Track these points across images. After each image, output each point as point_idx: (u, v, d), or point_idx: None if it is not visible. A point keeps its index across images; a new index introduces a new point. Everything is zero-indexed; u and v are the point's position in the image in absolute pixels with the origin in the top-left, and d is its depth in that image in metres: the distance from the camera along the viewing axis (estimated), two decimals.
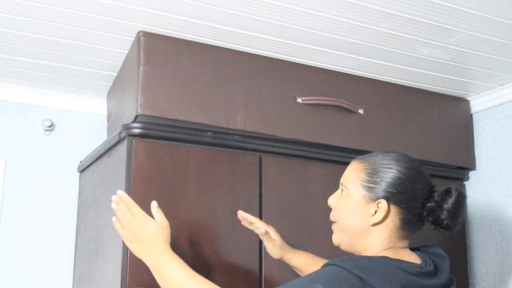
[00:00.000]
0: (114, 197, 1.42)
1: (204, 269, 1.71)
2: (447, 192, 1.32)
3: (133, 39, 1.80)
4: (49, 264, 2.12)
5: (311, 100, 1.95)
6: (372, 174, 1.32)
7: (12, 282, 2.06)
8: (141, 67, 1.74)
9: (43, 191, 2.16)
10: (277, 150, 1.91)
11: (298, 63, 1.98)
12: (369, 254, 1.31)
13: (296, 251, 1.70)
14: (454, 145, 2.24)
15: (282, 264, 1.82)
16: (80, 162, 2.18)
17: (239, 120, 1.83)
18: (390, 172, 1.30)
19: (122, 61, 1.95)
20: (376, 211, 1.30)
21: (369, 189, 1.31)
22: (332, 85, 2.02)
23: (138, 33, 1.77)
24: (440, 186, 2.24)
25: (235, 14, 1.67)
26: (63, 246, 2.15)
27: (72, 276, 2.13)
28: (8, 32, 1.77)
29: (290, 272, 1.82)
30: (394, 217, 1.30)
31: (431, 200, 1.31)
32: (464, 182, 2.31)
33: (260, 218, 1.82)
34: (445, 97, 2.27)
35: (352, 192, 1.34)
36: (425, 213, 1.31)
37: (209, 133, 1.81)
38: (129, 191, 1.67)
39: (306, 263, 1.66)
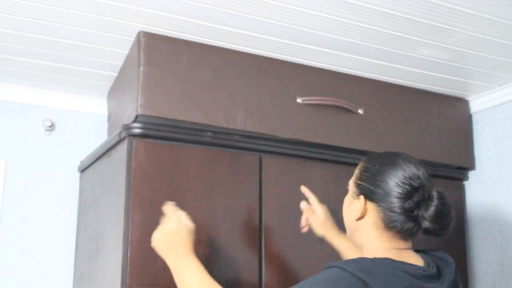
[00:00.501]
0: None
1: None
2: (428, 196, 1.29)
3: (133, 39, 1.81)
4: (49, 264, 2.12)
5: (311, 100, 1.95)
6: (362, 172, 1.36)
7: (12, 282, 2.06)
8: (141, 67, 1.75)
9: (43, 191, 2.16)
10: (277, 150, 1.91)
11: (298, 63, 1.98)
12: (369, 252, 1.32)
13: (340, 233, 1.72)
14: (454, 145, 2.25)
15: (282, 264, 1.82)
16: (80, 162, 2.18)
17: (239, 120, 1.83)
18: (374, 171, 1.33)
19: (122, 61, 1.95)
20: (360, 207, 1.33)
21: (357, 185, 1.35)
22: (332, 85, 2.02)
23: (138, 33, 1.77)
24: (440, 186, 2.25)
25: (235, 14, 1.67)
26: (63, 246, 2.15)
27: (72, 276, 2.13)
28: (8, 32, 1.77)
29: (291, 271, 1.82)
30: (373, 215, 1.31)
31: (408, 200, 1.28)
32: (464, 182, 2.31)
33: (260, 218, 1.83)
34: (445, 97, 2.27)
35: (349, 189, 1.39)
36: (403, 212, 1.28)
37: (209, 133, 1.81)
38: (129, 191, 1.67)
39: (347, 248, 1.68)
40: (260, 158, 1.88)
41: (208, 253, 1.73)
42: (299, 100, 1.93)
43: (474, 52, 1.93)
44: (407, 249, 1.32)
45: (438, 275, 1.31)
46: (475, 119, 2.34)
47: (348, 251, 1.66)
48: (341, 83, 2.04)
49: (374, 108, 2.08)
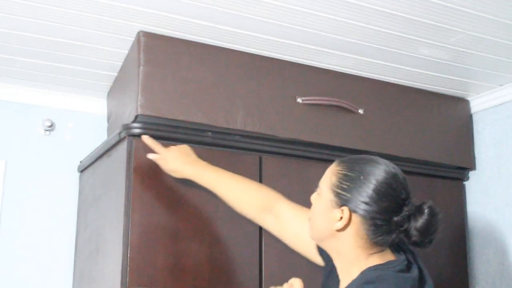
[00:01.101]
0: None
1: (204, 269, 1.71)
2: (418, 209, 1.27)
3: (133, 39, 1.80)
4: (49, 264, 2.12)
5: (311, 100, 1.95)
6: (342, 180, 1.29)
7: (12, 282, 2.06)
8: (141, 67, 1.74)
9: (43, 191, 2.16)
10: (277, 150, 1.91)
11: (298, 63, 1.98)
12: (346, 258, 1.31)
13: (209, 165, 1.70)
14: (454, 145, 2.24)
15: (282, 264, 1.82)
16: (80, 162, 2.18)
17: (239, 120, 1.83)
18: (360, 183, 1.27)
19: (122, 61, 1.95)
20: (341, 217, 1.28)
21: (337, 194, 1.29)
22: (332, 85, 2.02)
23: (138, 33, 1.77)
24: (440, 186, 2.25)
25: (235, 14, 1.67)
26: (63, 246, 2.15)
27: (72, 276, 2.13)
28: (8, 32, 1.77)
29: (291, 272, 1.82)
30: (358, 227, 1.27)
31: (399, 214, 1.26)
32: (464, 182, 2.31)
33: None
34: (445, 97, 2.27)
35: (324, 195, 1.33)
36: (392, 226, 1.26)
37: (209, 133, 1.81)
38: (129, 191, 1.67)
39: (223, 182, 1.67)
40: (260, 158, 1.88)
41: (208, 253, 1.73)
42: (299, 100, 1.93)
43: (475, 52, 1.93)
44: (384, 250, 1.31)
45: (409, 266, 1.31)
46: (475, 119, 2.34)
47: (223, 185, 1.65)
48: (341, 83, 2.04)
49: (374, 108, 2.08)
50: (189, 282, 1.68)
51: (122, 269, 1.62)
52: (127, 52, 1.88)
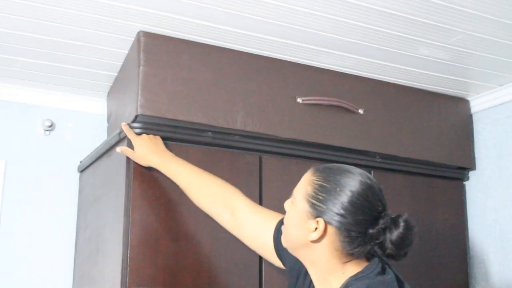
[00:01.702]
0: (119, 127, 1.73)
1: (204, 269, 1.71)
2: (394, 222, 1.25)
3: (133, 39, 1.80)
4: (49, 264, 2.12)
5: (311, 100, 1.95)
6: (318, 191, 1.27)
7: (12, 282, 2.06)
8: (141, 67, 1.74)
9: (43, 191, 2.16)
10: (277, 150, 1.91)
11: (298, 63, 1.98)
12: (321, 268, 1.29)
13: (175, 157, 1.72)
14: (454, 145, 2.24)
15: None
16: (80, 162, 2.18)
17: (239, 120, 1.83)
18: (335, 194, 1.25)
19: (122, 61, 1.95)
20: (316, 228, 1.26)
21: (312, 205, 1.27)
22: (332, 85, 2.02)
23: (138, 33, 1.77)
24: (440, 186, 2.25)
25: (235, 14, 1.67)
26: (63, 246, 2.14)
27: (72, 276, 2.13)
28: (8, 32, 1.77)
29: None
30: (333, 238, 1.25)
31: (374, 227, 1.24)
32: (464, 182, 2.31)
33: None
34: (445, 97, 2.27)
35: (298, 204, 1.31)
36: (367, 239, 1.25)
37: (209, 133, 1.81)
38: (129, 191, 1.67)
39: (188, 173, 1.68)
40: (260, 158, 1.88)
41: (208, 253, 1.73)
42: (299, 100, 1.93)
43: (475, 52, 1.93)
44: (356, 259, 1.30)
45: (383, 270, 1.30)
46: (475, 119, 2.34)
47: (185, 177, 1.66)
48: (341, 83, 2.04)
49: (374, 108, 2.08)
50: (189, 282, 1.68)
51: (122, 269, 1.62)
52: (127, 52, 1.88)
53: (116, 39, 1.81)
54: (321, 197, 1.26)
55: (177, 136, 1.77)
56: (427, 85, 2.20)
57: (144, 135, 1.71)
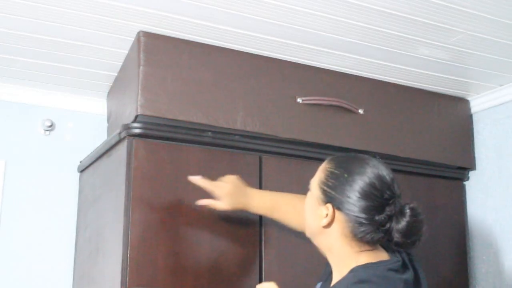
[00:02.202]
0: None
1: (204, 269, 1.71)
2: (400, 210, 1.26)
3: (133, 39, 1.80)
4: (49, 264, 2.12)
5: (311, 100, 1.95)
6: (329, 177, 1.31)
7: (12, 282, 2.06)
8: (141, 67, 1.74)
9: (43, 191, 2.16)
10: (277, 150, 1.91)
11: (298, 63, 1.98)
12: (337, 256, 1.31)
13: (258, 191, 1.71)
14: (454, 145, 2.24)
15: (282, 264, 1.82)
16: (80, 162, 2.18)
17: (239, 120, 1.83)
18: (344, 180, 1.28)
19: (122, 61, 1.95)
20: (326, 214, 1.29)
21: (323, 191, 1.31)
22: (332, 85, 2.02)
23: (138, 33, 1.77)
24: (440, 186, 2.25)
25: (235, 14, 1.67)
26: (63, 246, 2.14)
27: (72, 276, 2.13)
28: (8, 32, 1.77)
29: (291, 272, 1.82)
30: (343, 225, 1.28)
31: (381, 214, 1.26)
32: (464, 182, 2.31)
33: (260, 218, 1.82)
34: (445, 97, 2.27)
35: (313, 192, 1.35)
36: (375, 225, 1.26)
37: (209, 133, 1.81)
38: (129, 191, 1.67)
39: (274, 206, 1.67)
40: (260, 158, 1.88)
41: (208, 253, 1.73)
42: (299, 100, 1.93)
43: (475, 52, 1.93)
44: (375, 249, 1.31)
45: (404, 264, 1.31)
46: (475, 119, 2.34)
47: (278, 212, 1.64)
48: (341, 83, 2.04)
49: (374, 108, 2.08)
50: (189, 282, 1.68)
51: (122, 269, 1.62)
52: (127, 52, 1.88)
53: (116, 39, 1.81)
54: (331, 184, 1.30)
55: (177, 136, 1.77)
56: (427, 85, 2.20)
57: (220, 183, 1.64)
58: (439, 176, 2.21)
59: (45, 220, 2.14)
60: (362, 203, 1.26)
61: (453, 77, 2.14)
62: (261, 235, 1.81)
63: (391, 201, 1.27)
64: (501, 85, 2.21)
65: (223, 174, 1.78)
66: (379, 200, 1.26)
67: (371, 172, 1.28)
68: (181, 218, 1.72)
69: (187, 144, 1.78)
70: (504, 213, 2.16)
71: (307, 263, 1.85)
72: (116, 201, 1.73)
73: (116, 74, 2.05)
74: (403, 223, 1.25)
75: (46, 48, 1.87)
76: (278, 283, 1.36)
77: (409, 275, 1.29)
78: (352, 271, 1.27)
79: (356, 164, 1.30)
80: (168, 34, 1.79)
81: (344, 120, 2.01)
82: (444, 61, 2.00)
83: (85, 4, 1.60)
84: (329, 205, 1.29)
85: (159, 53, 1.77)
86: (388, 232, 1.27)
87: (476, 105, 2.32)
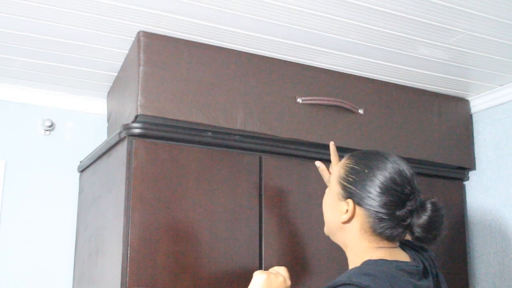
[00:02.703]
0: None
1: (205, 269, 1.71)
2: (421, 205, 1.27)
3: (133, 39, 1.80)
4: (49, 264, 2.12)
5: (311, 100, 1.95)
6: (349, 173, 1.31)
7: (12, 282, 2.06)
8: (141, 67, 1.74)
9: (43, 191, 2.16)
10: (277, 150, 1.91)
11: (298, 63, 1.98)
12: (354, 252, 1.31)
13: None
14: (454, 145, 2.24)
15: (282, 264, 1.82)
16: (80, 162, 2.18)
17: (239, 120, 1.83)
18: (364, 176, 1.28)
19: (122, 61, 1.95)
20: (347, 210, 1.29)
21: (343, 187, 1.31)
22: (332, 85, 2.02)
23: (138, 33, 1.77)
24: (440, 186, 2.25)
25: (235, 14, 1.67)
26: (63, 246, 2.15)
27: (72, 276, 2.13)
28: (8, 32, 1.77)
29: (291, 271, 1.82)
30: (363, 220, 1.28)
31: (401, 209, 1.26)
32: (464, 182, 2.31)
33: (260, 218, 1.82)
34: (445, 97, 2.27)
35: (332, 187, 1.35)
36: (395, 221, 1.26)
37: (209, 133, 1.81)
38: (129, 191, 1.67)
39: None
40: (260, 158, 1.88)
41: (208, 253, 1.73)
42: (299, 100, 1.93)
43: (475, 52, 1.93)
44: (394, 247, 1.31)
45: (425, 271, 1.30)
46: (475, 119, 2.34)
47: None
48: (341, 83, 2.04)
49: (374, 108, 2.08)
50: (189, 282, 1.68)
51: (122, 269, 1.62)
52: (127, 52, 1.88)
53: (116, 39, 1.81)
54: (351, 179, 1.30)
55: (177, 136, 1.77)
56: (427, 85, 2.20)
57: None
58: (439, 176, 2.21)
59: (45, 220, 2.14)
60: (382, 198, 1.26)
61: (453, 77, 2.14)
62: (261, 235, 1.82)
63: (411, 196, 1.27)
64: (501, 85, 2.22)
65: (223, 174, 1.79)
66: (399, 195, 1.26)
67: (392, 167, 1.29)
68: (181, 218, 1.72)
69: (187, 144, 1.78)
70: (504, 213, 2.16)
71: (307, 262, 1.85)
72: (116, 201, 1.73)
73: (116, 74, 2.05)
74: (424, 217, 1.25)
75: (46, 48, 1.87)
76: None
77: (426, 283, 1.28)
78: (364, 263, 1.26)
79: (377, 160, 1.31)
80: (168, 34, 1.79)
81: (344, 120, 2.02)
82: (444, 61, 2.00)
83: (85, 4, 1.60)
84: (350, 201, 1.29)
85: (159, 53, 1.77)
86: (409, 227, 1.27)
87: (476, 105, 2.32)
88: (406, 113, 2.15)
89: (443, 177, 2.23)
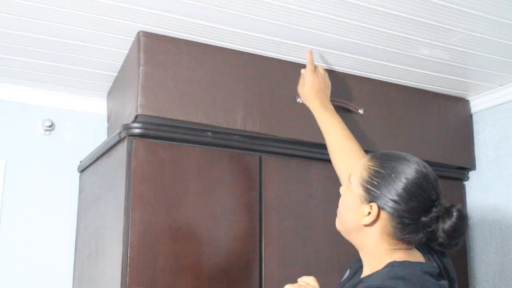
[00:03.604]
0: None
1: (204, 269, 1.71)
2: (447, 211, 1.26)
3: (133, 39, 1.80)
4: (49, 264, 2.12)
5: None
6: (373, 176, 1.28)
7: (12, 282, 2.06)
8: (141, 67, 1.74)
9: (43, 191, 2.16)
10: (277, 150, 1.91)
11: (298, 63, 1.98)
12: (371, 253, 1.30)
13: (329, 110, 1.79)
14: (454, 145, 2.24)
15: (282, 264, 1.82)
16: (80, 162, 2.18)
17: (239, 120, 1.83)
18: (390, 180, 1.26)
19: (122, 61, 1.95)
20: (369, 213, 1.28)
21: (366, 190, 1.29)
22: (332, 85, 2.02)
23: (138, 33, 1.77)
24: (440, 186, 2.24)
25: (235, 14, 1.67)
26: (63, 246, 2.15)
27: (72, 276, 2.13)
28: (8, 32, 1.77)
29: (291, 271, 1.82)
30: (385, 224, 1.27)
31: (427, 215, 1.25)
32: (464, 182, 2.31)
33: (260, 218, 1.82)
34: (445, 97, 2.27)
35: (353, 188, 1.32)
36: (420, 226, 1.26)
37: (209, 133, 1.81)
38: (129, 191, 1.67)
39: (332, 126, 1.74)
40: (260, 158, 1.88)
41: (208, 253, 1.73)
42: (299, 100, 1.93)
43: (475, 52, 1.93)
44: (411, 248, 1.31)
45: (440, 271, 1.30)
46: (475, 119, 2.34)
47: (332, 136, 1.69)
48: (341, 83, 2.04)
49: (374, 108, 2.08)
50: (189, 282, 1.68)
51: (122, 269, 1.62)
52: (127, 52, 1.88)
53: (116, 39, 1.81)
54: (375, 183, 1.27)
55: (177, 136, 1.77)
56: (427, 85, 2.19)
57: (314, 75, 1.82)
58: (439, 176, 2.19)
59: (45, 220, 2.14)
60: (408, 203, 1.24)
61: (453, 77, 2.14)
62: (261, 235, 1.81)
63: (437, 202, 1.26)
64: (501, 85, 2.21)
65: (223, 174, 1.79)
66: (425, 201, 1.25)
67: (417, 171, 1.27)
68: (181, 218, 1.72)
69: (187, 144, 1.78)
70: (504, 213, 2.16)
71: (307, 263, 1.85)
72: (116, 201, 1.73)
73: (116, 74, 2.05)
74: (449, 224, 1.24)
75: (46, 48, 1.87)
76: (278, 283, 1.36)
77: (445, 283, 1.28)
78: (389, 265, 1.25)
79: (402, 164, 1.28)
80: (168, 34, 1.79)
81: (344, 120, 2.01)
82: (444, 61, 2.00)
83: (85, 4, 1.60)
84: (374, 204, 1.27)
85: (159, 53, 1.77)
86: (433, 233, 1.26)
87: (476, 105, 2.32)
88: (406, 113, 2.15)
89: (443, 177, 2.22)
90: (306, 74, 1.83)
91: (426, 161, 2.12)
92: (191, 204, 1.73)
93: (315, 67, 1.84)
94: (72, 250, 2.15)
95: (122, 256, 1.62)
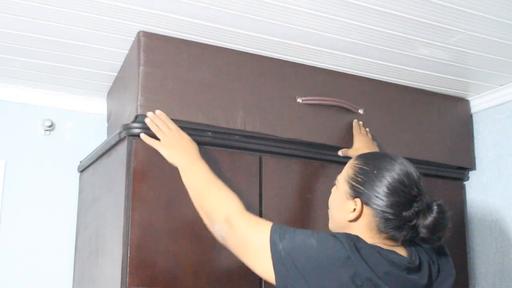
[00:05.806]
0: (149, 114, 1.66)
1: (205, 269, 1.71)
2: (427, 207, 1.31)
3: (133, 39, 1.80)
4: (49, 264, 2.12)
5: (311, 100, 1.95)
6: (358, 173, 1.35)
7: (12, 282, 2.06)
8: (141, 67, 1.74)
9: (43, 191, 2.16)
10: (277, 150, 1.91)
11: (298, 63, 1.98)
12: None
13: None
14: (454, 145, 2.24)
15: None
16: (80, 162, 2.18)
17: (239, 120, 1.83)
18: (373, 177, 1.32)
19: (122, 61, 1.95)
20: (354, 209, 1.33)
21: (352, 186, 1.35)
22: (332, 85, 2.02)
23: (138, 33, 1.77)
24: (440, 186, 2.25)
25: (235, 14, 1.67)
26: (63, 246, 2.15)
27: (72, 276, 2.13)
28: (8, 32, 1.77)
29: None
30: (370, 219, 1.32)
31: (408, 210, 1.30)
32: (464, 182, 2.31)
33: (260, 217, 1.82)
34: (445, 97, 2.27)
35: (340, 187, 1.39)
36: (401, 221, 1.30)
37: (209, 133, 1.81)
38: (129, 191, 1.67)
39: None
40: (260, 158, 1.88)
41: (208, 252, 1.73)
42: (299, 100, 1.93)
43: (475, 52, 1.93)
44: (397, 245, 1.35)
45: (419, 267, 1.34)
46: (475, 119, 2.34)
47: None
48: (341, 83, 2.04)
49: (374, 108, 2.08)
50: (189, 282, 1.68)
51: (122, 269, 1.62)
52: (127, 52, 1.88)
53: (116, 39, 1.81)
54: (360, 179, 1.34)
55: None
56: (427, 85, 2.20)
57: (171, 133, 1.65)
58: (439, 176, 2.21)
59: (45, 220, 2.14)
60: (390, 198, 1.30)
61: (453, 77, 2.14)
62: None
63: (418, 198, 1.31)
64: (501, 85, 2.22)
65: (223, 174, 1.79)
66: (406, 197, 1.30)
67: (400, 169, 1.33)
68: (181, 218, 1.72)
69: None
70: (504, 213, 2.16)
71: None
72: (116, 201, 1.73)
73: (116, 74, 2.05)
74: (430, 219, 1.29)
75: (46, 48, 1.87)
76: None
77: (417, 277, 1.31)
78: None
79: (385, 161, 1.34)
80: (168, 34, 1.79)
81: (344, 120, 2.01)
82: (444, 61, 2.00)
83: (85, 4, 1.60)
84: (358, 200, 1.33)
85: (159, 53, 1.77)
86: (414, 228, 1.30)
87: (476, 105, 2.32)
88: (406, 113, 2.15)
89: (443, 177, 2.22)
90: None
91: (426, 161, 2.16)
92: (191, 204, 1.72)
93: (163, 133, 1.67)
94: (72, 250, 2.15)
95: (122, 256, 1.62)
